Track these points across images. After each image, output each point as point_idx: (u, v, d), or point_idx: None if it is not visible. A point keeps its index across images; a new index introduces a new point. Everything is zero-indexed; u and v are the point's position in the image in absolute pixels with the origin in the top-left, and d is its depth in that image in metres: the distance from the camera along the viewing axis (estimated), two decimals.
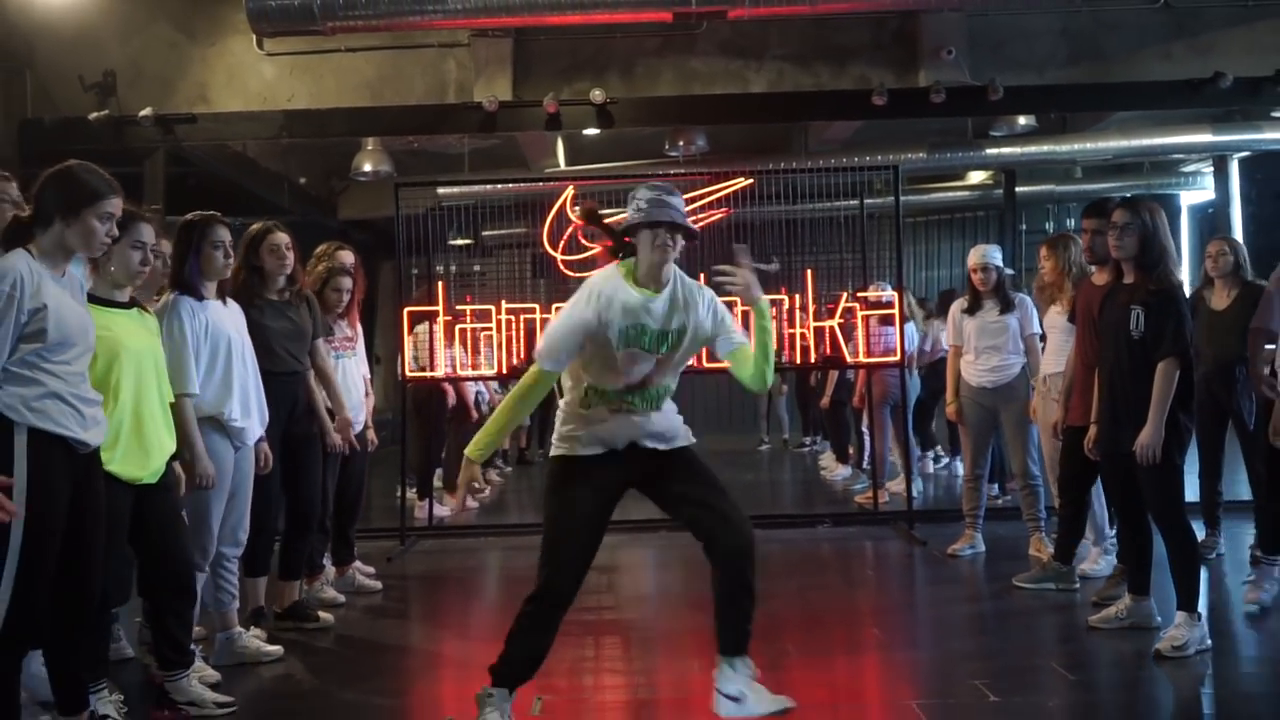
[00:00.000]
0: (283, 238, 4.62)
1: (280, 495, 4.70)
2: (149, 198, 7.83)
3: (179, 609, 3.53)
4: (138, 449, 3.35)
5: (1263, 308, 4.67)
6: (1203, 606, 4.12)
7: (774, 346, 3.31)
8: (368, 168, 10.60)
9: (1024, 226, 13.83)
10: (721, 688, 3.17)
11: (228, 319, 4.03)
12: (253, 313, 4.47)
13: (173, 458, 3.52)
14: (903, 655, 4.34)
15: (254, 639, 4.20)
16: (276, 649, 4.23)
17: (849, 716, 3.66)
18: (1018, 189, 13.44)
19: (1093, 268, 4.99)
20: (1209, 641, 4.04)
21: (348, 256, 5.38)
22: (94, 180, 3.07)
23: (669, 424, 3.31)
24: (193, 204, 8.83)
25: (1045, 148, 11.52)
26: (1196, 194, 14.53)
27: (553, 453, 3.28)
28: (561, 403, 3.33)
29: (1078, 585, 5.08)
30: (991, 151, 11.49)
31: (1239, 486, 6.14)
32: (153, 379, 3.43)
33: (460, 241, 9.43)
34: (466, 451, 3.26)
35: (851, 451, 9.44)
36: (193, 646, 3.69)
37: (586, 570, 3.22)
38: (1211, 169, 13.79)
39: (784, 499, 9.13)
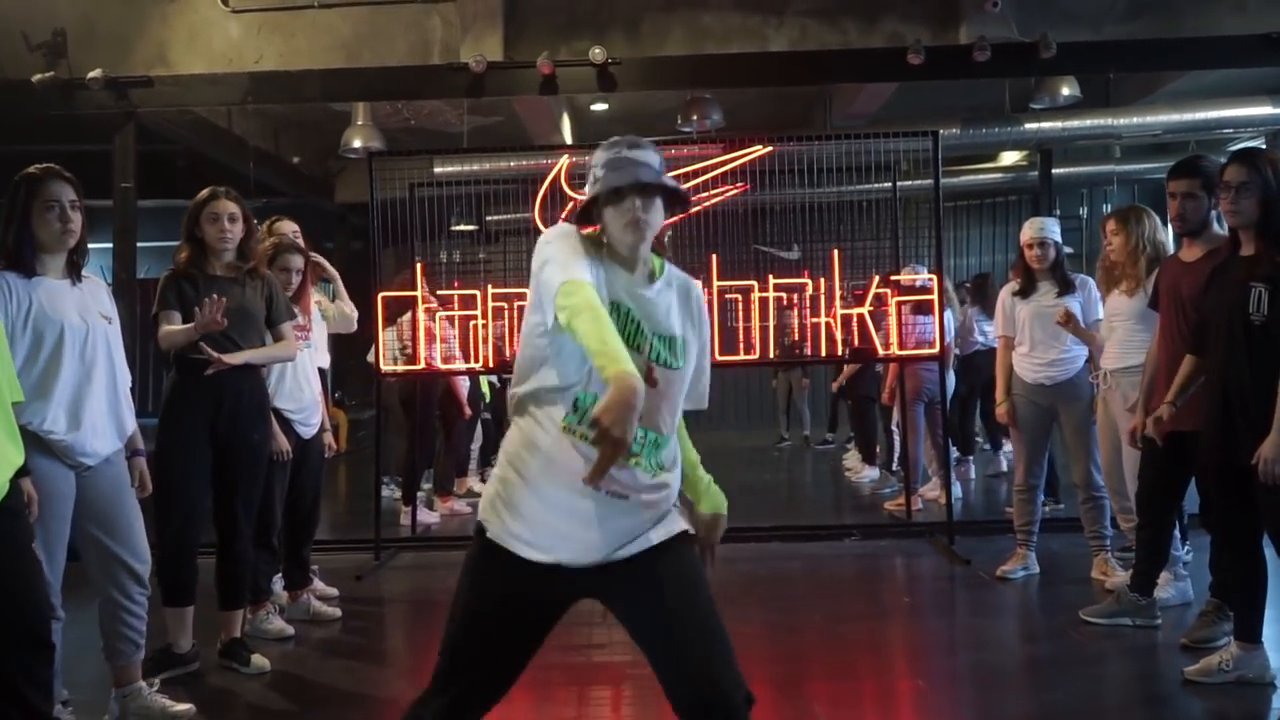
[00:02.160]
0: (226, 206, 3.90)
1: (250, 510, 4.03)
2: (119, 175, 7.11)
3: (33, 666, 2.74)
4: None
5: None
6: None
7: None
8: (357, 144, 9.84)
9: (1058, 211, 12.97)
10: None
11: (70, 301, 3.23)
12: (188, 289, 3.81)
13: (20, 473, 2.74)
14: (959, 713, 3.53)
15: (158, 697, 3.42)
16: (186, 709, 3.45)
17: None
18: (1054, 170, 12.63)
19: (1171, 242, 4.16)
20: None
21: (289, 226, 4.62)
22: None
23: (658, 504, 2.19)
24: (174, 186, 8.22)
25: (1089, 122, 10.67)
26: None
27: (480, 515, 2.20)
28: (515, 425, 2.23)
29: (1159, 622, 4.27)
30: (1031, 126, 10.65)
31: None
32: None
33: (464, 227, 8.68)
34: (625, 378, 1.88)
35: (879, 451, 8.66)
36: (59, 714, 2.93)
37: (506, 680, 2.20)
38: (1265, 147, 12.93)
39: (807, 505, 8.31)
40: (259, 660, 4.00)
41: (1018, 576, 5.21)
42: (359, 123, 9.80)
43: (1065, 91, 9.62)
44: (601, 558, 2.11)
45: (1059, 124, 10.63)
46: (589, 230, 2.22)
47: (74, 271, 3.27)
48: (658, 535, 2.15)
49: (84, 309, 3.25)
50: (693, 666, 2.04)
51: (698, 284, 2.36)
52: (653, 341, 2.17)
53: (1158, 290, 4.18)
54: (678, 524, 2.20)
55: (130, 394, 3.46)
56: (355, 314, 5.27)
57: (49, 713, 2.82)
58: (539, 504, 2.12)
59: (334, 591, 5.07)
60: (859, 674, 3.97)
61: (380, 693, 3.92)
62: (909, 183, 9.74)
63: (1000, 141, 11.46)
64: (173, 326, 3.76)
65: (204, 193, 3.97)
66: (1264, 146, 12.56)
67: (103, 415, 3.24)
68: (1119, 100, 10.78)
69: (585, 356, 2.00)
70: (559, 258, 2.09)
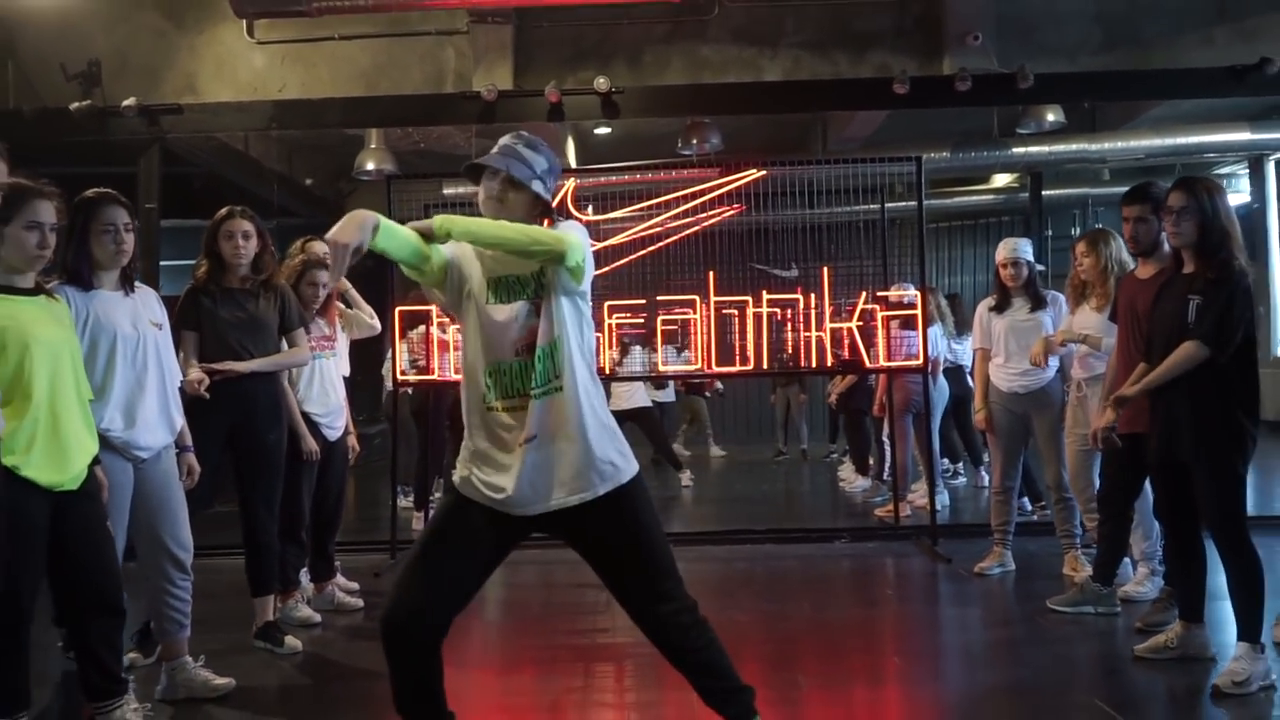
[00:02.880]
0: (240, 224, 4.28)
1: (273, 507, 4.38)
2: (144, 196, 7.51)
3: (106, 630, 3.14)
4: (55, 451, 2.97)
5: None
6: (1266, 637, 3.66)
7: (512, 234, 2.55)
8: (370, 166, 10.28)
9: (1049, 232, 13.35)
10: None
11: (123, 311, 3.58)
12: (206, 301, 4.21)
13: (94, 461, 3.13)
14: (926, 689, 3.88)
15: (202, 670, 3.79)
16: (226, 682, 3.81)
17: None
18: (1045, 192, 13.03)
19: (1132, 261, 4.54)
20: (1274, 677, 3.58)
21: (321, 248, 5.00)
22: None
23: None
24: (193, 206, 8.61)
25: (1074, 146, 11.10)
26: (1231, 197, 14.00)
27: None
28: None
29: (1119, 609, 4.63)
30: (1018, 150, 11.09)
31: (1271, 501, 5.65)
32: (69, 373, 3.05)
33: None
34: (441, 220, 2.52)
35: (872, 462, 9.01)
36: (125, 674, 3.30)
37: (445, 599, 2.61)
38: (1247, 171, 13.32)
39: (801, 511, 8.67)
40: (292, 641, 4.36)
41: (994, 573, 5.57)
42: (372, 146, 10.22)
43: (1050, 118, 9.99)
44: (536, 511, 2.63)
45: (1045, 148, 11.06)
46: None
47: (126, 283, 3.62)
48: (598, 489, 2.63)
49: (136, 318, 3.60)
50: (634, 594, 2.68)
51: (575, 229, 2.69)
52: (524, 282, 2.62)
53: (1117, 304, 4.55)
54: (617, 480, 2.65)
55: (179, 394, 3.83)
56: (375, 319, 5.63)
57: (119, 673, 3.19)
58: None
59: (355, 585, 5.42)
60: (841, 653, 4.32)
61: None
62: (901, 204, 10.16)
63: (988, 165, 11.88)
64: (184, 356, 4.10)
65: (222, 211, 4.35)
66: (1244, 171, 13.00)
67: (155, 413, 3.59)
68: (1103, 125, 11.18)
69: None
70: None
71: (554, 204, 2.76)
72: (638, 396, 9.40)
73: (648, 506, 2.71)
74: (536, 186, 2.67)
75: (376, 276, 6.89)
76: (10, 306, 2.96)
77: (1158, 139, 11.02)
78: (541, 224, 2.68)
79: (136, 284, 3.70)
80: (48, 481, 2.96)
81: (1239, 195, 13.83)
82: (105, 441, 3.41)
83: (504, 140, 2.72)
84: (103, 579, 3.11)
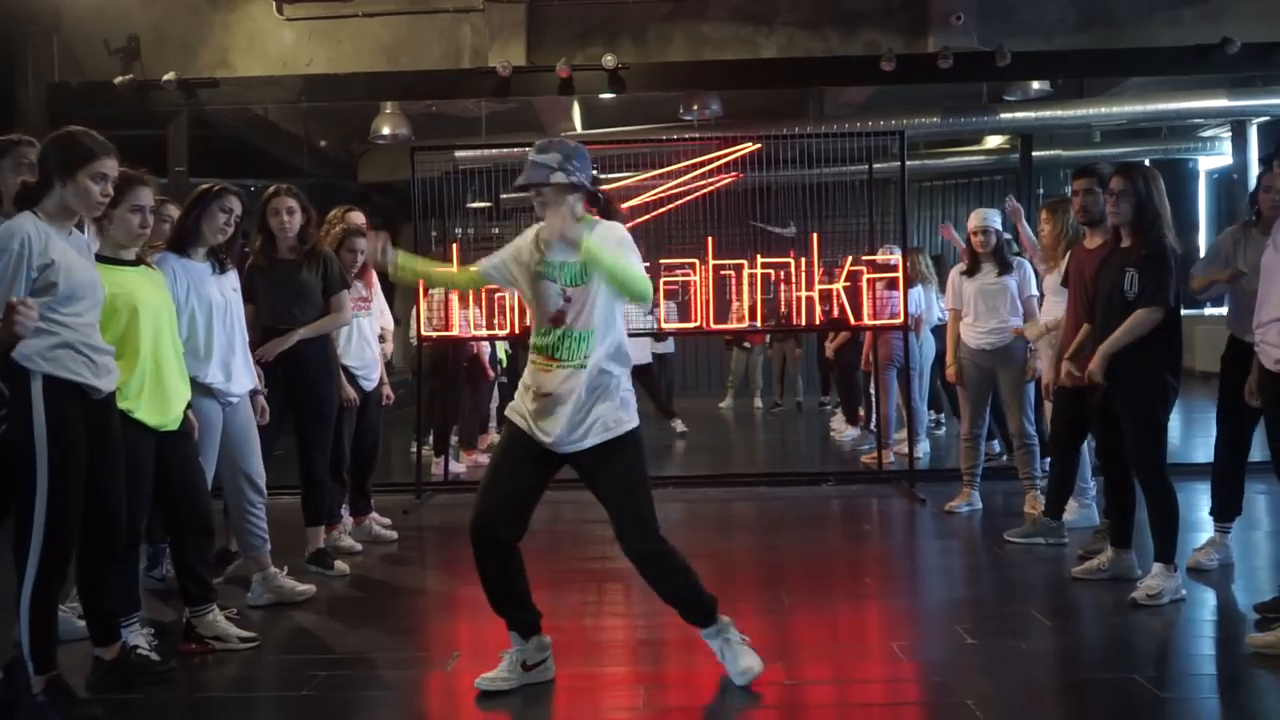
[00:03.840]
0: (285, 201, 4.84)
1: (324, 450, 4.98)
2: (173, 160, 8.05)
3: (200, 547, 3.77)
4: (159, 397, 3.57)
5: None
6: (1182, 561, 4.28)
7: (621, 275, 3.24)
8: (386, 131, 10.79)
9: (1041, 190, 13.83)
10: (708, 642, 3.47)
11: (213, 283, 4.17)
12: (259, 278, 4.80)
13: (187, 406, 3.73)
14: (891, 603, 4.53)
15: (287, 579, 4.45)
16: (308, 588, 4.50)
17: (832, 657, 3.84)
18: (1036, 153, 13.51)
19: (1085, 230, 5.09)
20: (1184, 591, 4.21)
21: (359, 218, 5.57)
22: (88, 141, 3.21)
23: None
24: (215, 166, 9.13)
25: (1059, 112, 11.57)
26: (1215, 159, 14.52)
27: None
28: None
29: (1066, 540, 5.25)
30: (1005, 116, 11.56)
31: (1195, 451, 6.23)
32: (167, 330, 3.64)
33: (479, 205, 9.60)
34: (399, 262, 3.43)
35: (861, 414, 9.60)
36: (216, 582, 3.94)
37: (509, 509, 3.32)
38: (1230, 134, 13.79)
39: (794, 458, 9.31)
40: (341, 565, 5.00)
41: (963, 511, 6.19)
42: (387, 111, 10.72)
43: (1036, 85, 10.48)
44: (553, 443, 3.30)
45: (1031, 114, 11.53)
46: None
47: (217, 259, 4.21)
48: (596, 439, 3.30)
49: (222, 287, 4.21)
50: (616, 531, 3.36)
51: (609, 225, 3.36)
52: (554, 268, 3.29)
53: (1069, 271, 5.13)
54: (614, 432, 3.30)
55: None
56: (391, 326, 6.16)
57: (210, 583, 3.82)
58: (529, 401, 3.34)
59: (388, 520, 6.04)
60: (818, 575, 4.96)
61: (433, 588, 5.00)
62: (893, 164, 10.60)
63: (977, 130, 12.35)
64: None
65: (270, 190, 4.91)
66: (1227, 134, 13.43)
67: (242, 366, 4.23)
68: (1090, 91, 11.62)
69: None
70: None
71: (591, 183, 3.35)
72: (640, 354, 10.02)
73: (638, 456, 3.38)
74: (556, 178, 3.26)
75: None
76: (119, 276, 3.53)
77: (1140, 105, 11.48)
78: (584, 207, 3.33)
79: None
80: (154, 423, 3.56)
81: (1221, 158, 14.32)
82: (206, 390, 4.03)
83: (529, 156, 3.31)
84: (197, 504, 3.73)
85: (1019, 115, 11.54)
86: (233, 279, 4.31)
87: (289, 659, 3.84)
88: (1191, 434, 8.87)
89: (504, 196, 10.25)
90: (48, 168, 3.16)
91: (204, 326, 4.08)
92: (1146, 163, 15.52)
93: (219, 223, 4.12)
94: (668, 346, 12.29)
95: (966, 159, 14.81)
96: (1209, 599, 4.33)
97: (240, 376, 4.22)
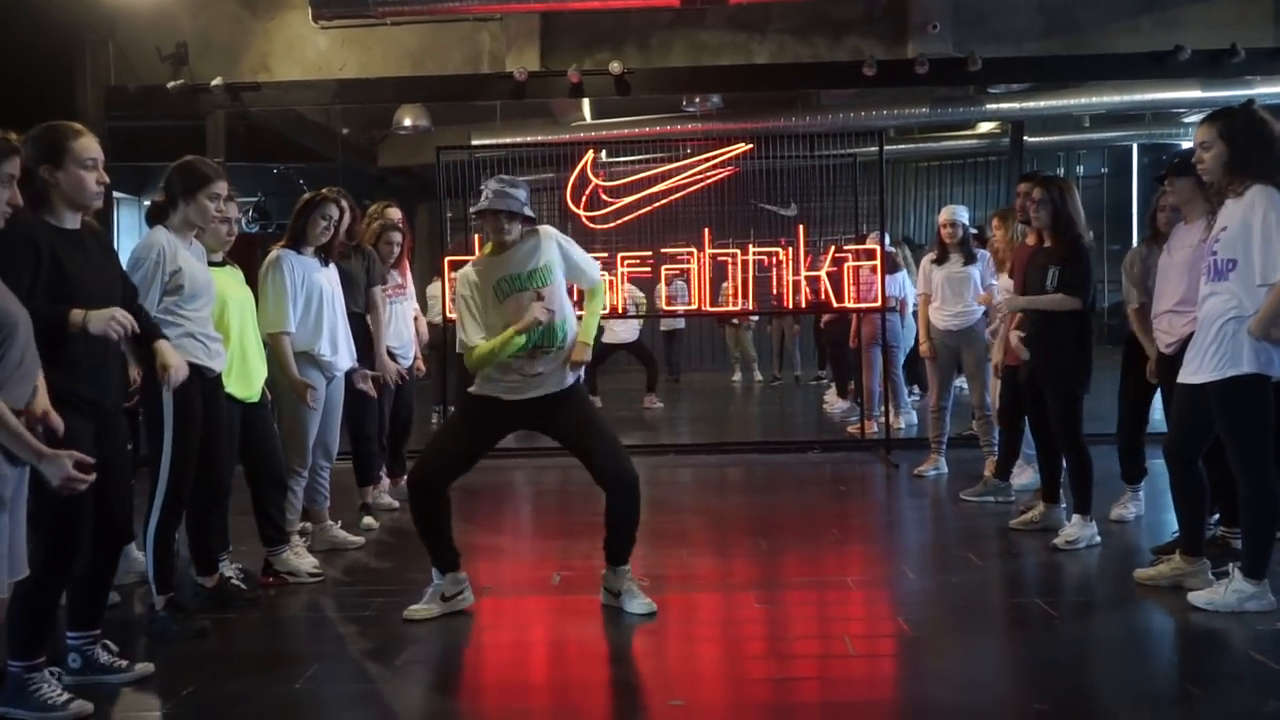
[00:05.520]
0: (330, 209, 5.46)
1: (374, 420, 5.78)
2: (211, 149, 8.80)
3: (275, 497, 4.59)
4: (244, 375, 4.38)
5: None
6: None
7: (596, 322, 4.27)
8: (408, 122, 11.52)
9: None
10: (607, 586, 4.23)
11: (322, 275, 4.96)
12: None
13: (266, 382, 4.54)
14: (851, 547, 5.35)
15: (340, 531, 5.27)
16: (358, 539, 5.32)
17: (795, 588, 4.62)
18: (1029, 138, 14.13)
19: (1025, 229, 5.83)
20: (1099, 539, 4.99)
21: (396, 213, 6.34)
22: (204, 168, 4.02)
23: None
24: (250, 154, 9.83)
25: (1042, 103, 12.20)
26: None
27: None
28: None
29: (1014, 499, 6.02)
30: (991, 106, 12.22)
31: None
32: (250, 320, 4.45)
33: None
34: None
35: (851, 388, 10.37)
36: (301, 526, 4.80)
37: (450, 465, 4.16)
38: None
39: (787, 428, 10.12)
40: (369, 520, 5.76)
41: (930, 475, 6.97)
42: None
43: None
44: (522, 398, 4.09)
45: (1016, 105, 12.19)
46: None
47: (324, 256, 4.98)
48: (556, 386, 4.09)
49: (330, 280, 4.99)
50: (603, 460, 4.09)
51: (552, 233, 4.15)
52: (524, 278, 4.00)
53: (1012, 265, 5.87)
54: (568, 380, 4.11)
55: None
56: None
57: (284, 526, 4.64)
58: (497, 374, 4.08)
59: None
60: (794, 526, 5.76)
61: (466, 539, 5.63)
62: (892, 147, 11.23)
63: (965, 120, 13.03)
64: None
65: (319, 194, 5.35)
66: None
67: (343, 344, 5.02)
68: (1071, 84, 12.27)
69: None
70: (462, 322, 4.07)
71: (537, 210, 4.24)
72: (630, 331, 10.98)
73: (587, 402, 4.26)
74: (528, 211, 4.08)
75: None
76: (213, 275, 4.31)
77: (1119, 95, 12.11)
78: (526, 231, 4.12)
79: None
80: (241, 395, 4.36)
81: None
82: (315, 362, 4.84)
83: (493, 185, 4.04)
84: (273, 463, 4.55)
85: (1003, 105, 12.19)
86: (335, 274, 5.07)
87: (351, 589, 4.66)
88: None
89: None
90: (173, 190, 3.94)
91: (315, 309, 4.84)
92: (1134, 148, 16.33)
93: (319, 228, 4.90)
94: (678, 323, 13.11)
95: (960, 143, 15.48)
96: (1121, 545, 5.12)
97: (343, 353, 5.01)
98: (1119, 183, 17.64)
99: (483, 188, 4.06)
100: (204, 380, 3.96)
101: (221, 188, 4.03)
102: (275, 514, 4.59)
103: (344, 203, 5.57)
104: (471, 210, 4.18)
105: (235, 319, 4.36)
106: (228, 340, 4.29)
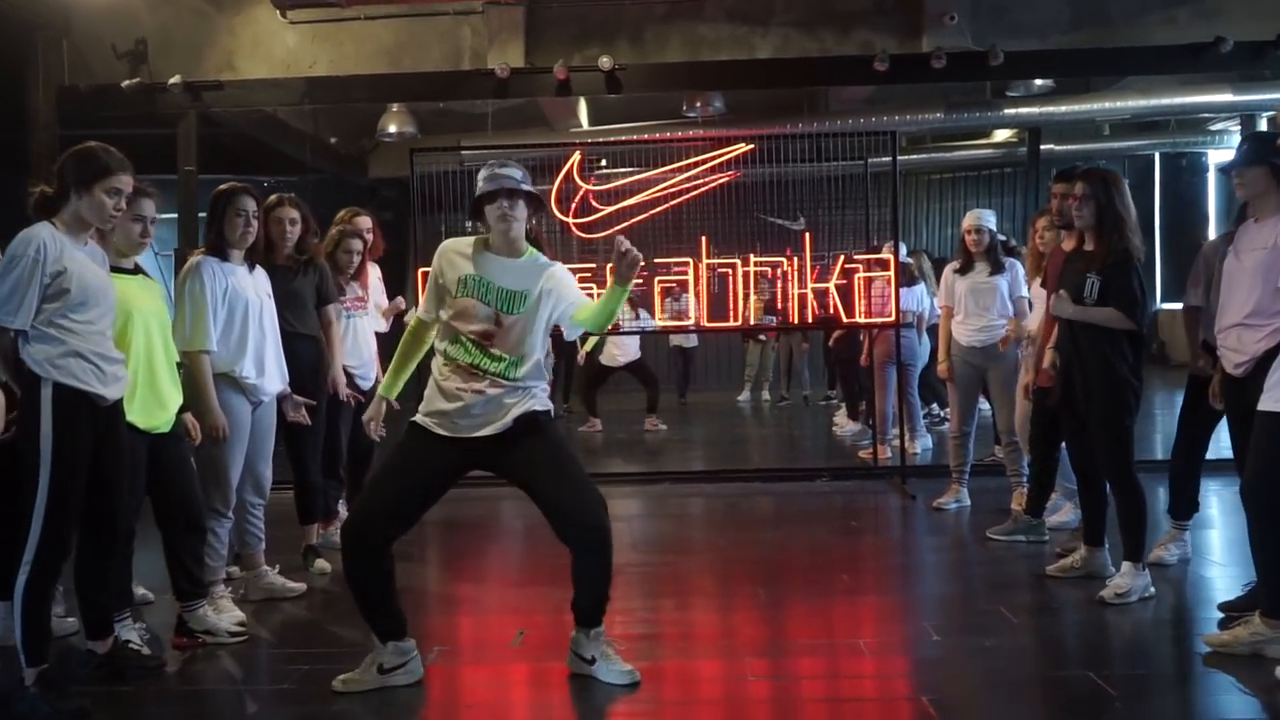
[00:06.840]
0: (288, 211, 4.91)
1: (315, 451, 5.08)
2: (182, 159, 8.19)
3: (191, 545, 3.91)
4: (152, 401, 3.71)
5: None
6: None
7: (612, 314, 3.43)
8: (392, 129, 10.95)
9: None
10: (577, 651, 3.55)
11: (250, 283, 4.30)
12: None
13: (181, 410, 3.87)
14: (864, 599, 4.64)
15: (277, 577, 4.59)
16: (298, 586, 4.64)
17: (797, 653, 3.92)
18: (1046, 146, 13.50)
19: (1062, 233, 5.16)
20: (1153, 590, 4.29)
21: (364, 221, 5.71)
22: (105, 157, 3.36)
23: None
24: (226, 165, 9.26)
25: (1063, 108, 11.58)
26: (1224, 153, 14.48)
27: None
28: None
29: (1048, 538, 5.33)
30: (1009, 111, 11.58)
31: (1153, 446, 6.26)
32: (159, 338, 3.78)
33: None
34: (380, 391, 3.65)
35: (862, 409, 9.70)
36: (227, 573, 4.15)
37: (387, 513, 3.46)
38: (1239, 127, 13.74)
39: (794, 453, 9.43)
40: (321, 564, 5.09)
41: (950, 508, 6.27)
42: (394, 109, 10.85)
43: (1039, 81, 10.51)
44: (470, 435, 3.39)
45: (1035, 109, 11.55)
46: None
47: (251, 260, 4.33)
48: (514, 415, 3.39)
49: (257, 289, 4.33)
50: (566, 507, 3.39)
51: (554, 263, 3.55)
52: (499, 295, 3.37)
53: (1046, 271, 5.20)
54: (535, 406, 3.44)
55: None
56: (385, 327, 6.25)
57: (202, 579, 3.96)
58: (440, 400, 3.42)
59: None
60: (799, 571, 5.07)
61: (418, 584, 5.02)
62: (904, 158, 10.61)
63: (981, 125, 12.38)
64: None
65: (271, 199, 4.95)
66: (1237, 128, 13.38)
67: (274, 366, 4.36)
68: (1094, 86, 11.64)
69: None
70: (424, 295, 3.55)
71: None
72: (631, 351, 10.35)
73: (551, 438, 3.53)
74: (526, 186, 3.43)
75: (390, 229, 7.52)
76: (118, 283, 3.65)
77: (1144, 100, 11.47)
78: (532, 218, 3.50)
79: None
80: (145, 425, 3.70)
81: (1231, 151, 14.24)
82: (239, 386, 4.19)
83: (495, 169, 3.41)
84: (190, 504, 3.88)
85: (1022, 110, 11.56)
86: (264, 281, 4.42)
87: (277, 653, 3.98)
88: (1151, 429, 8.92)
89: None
90: (65, 179, 3.30)
91: (239, 324, 4.20)
92: (1156, 157, 15.64)
93: (239, 227, 4.23)
94: (691, 340, 12.47)
95: (975, 152, 14.84)
96: (1175, 597, 4.42)
97: (272, 375, 4.35)
98: (1141, 195, 16.85)
99: (481, 173, 3.47)
100: (95, 409, 3.32)
101: (124, 182, 3.38)
102: (191, 564, 3.92)
103: (295, 212, 4.98)
104: (479, 185, 3.46)
105: (140, 335, 3.71)
106: (129, 358, 3.64)
